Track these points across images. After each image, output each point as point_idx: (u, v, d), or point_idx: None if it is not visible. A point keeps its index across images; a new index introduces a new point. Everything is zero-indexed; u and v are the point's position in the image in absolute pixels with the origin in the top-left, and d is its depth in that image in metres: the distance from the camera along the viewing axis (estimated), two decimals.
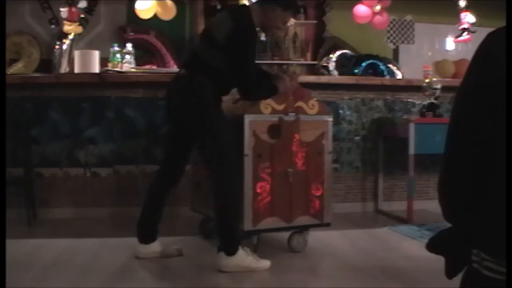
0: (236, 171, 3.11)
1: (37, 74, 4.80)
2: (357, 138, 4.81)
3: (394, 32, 7.01)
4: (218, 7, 6.61)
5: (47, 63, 5.45)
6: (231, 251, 3.03)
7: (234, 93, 3.25)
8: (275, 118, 3.30)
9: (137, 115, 4.47)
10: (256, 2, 3.32)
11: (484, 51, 1.07)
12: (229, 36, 3.01)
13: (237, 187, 3.12)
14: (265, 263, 3.11)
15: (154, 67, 5.63)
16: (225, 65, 3.04)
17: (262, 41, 6.75)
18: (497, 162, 1.02)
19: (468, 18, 5.53)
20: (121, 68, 4.72)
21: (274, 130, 3.30)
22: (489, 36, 1.08)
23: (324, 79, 4.86)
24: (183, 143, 3.29)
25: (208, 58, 3.09)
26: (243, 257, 3.05)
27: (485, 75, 1.05)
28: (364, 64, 5.04)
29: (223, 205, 3.06)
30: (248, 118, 3.23)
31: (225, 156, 3.07)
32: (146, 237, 3.29)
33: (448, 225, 1.16)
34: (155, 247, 3.29)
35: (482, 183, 1.06)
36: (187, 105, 3.10)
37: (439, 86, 4.39)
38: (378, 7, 5.69)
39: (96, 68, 4.62)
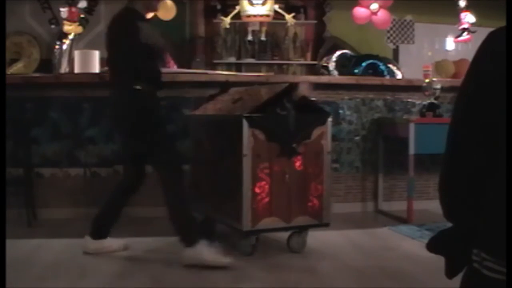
0: (178, 170, 3.23)
1: (37, 74, 4.80)
2: (357, 138, 4.80)
3: (394, 32, 7.01)
4: (218, 7, 6.60)
5: (47, 63, 5.45)
6: (189, 243, 3.10)
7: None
8: None
9: None
10: None
11: (485, 50, 1.07)
12: None
13: (183, 185, 3.23)
14: (225, 261, 3.09)
15: None
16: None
17: (262, 41, 6.74)
18: (498, 161, 1.02)
19: (468, 18, 5.53)
20: None
21: None
22: (491, 35, 1.07)
23: (324, 79, 4.86)
24: (131, 150, 3.42)
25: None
26: (202, 250, 3.08)
27: (487, 74, 1.05)
28: (364, 64, 5.03)
29: (172, 204, 3.17)
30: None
31: (167, 158, 3.21)
32: (100, 234, 3.36)
33: (448, 225, 1.16)
34: (106, 243, 3.37)
35: (483, 183, 1.05)
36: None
37: (439, 86, 4.39)
38: (375, 6, 5.68)
39: (96, 68, 4.62)
